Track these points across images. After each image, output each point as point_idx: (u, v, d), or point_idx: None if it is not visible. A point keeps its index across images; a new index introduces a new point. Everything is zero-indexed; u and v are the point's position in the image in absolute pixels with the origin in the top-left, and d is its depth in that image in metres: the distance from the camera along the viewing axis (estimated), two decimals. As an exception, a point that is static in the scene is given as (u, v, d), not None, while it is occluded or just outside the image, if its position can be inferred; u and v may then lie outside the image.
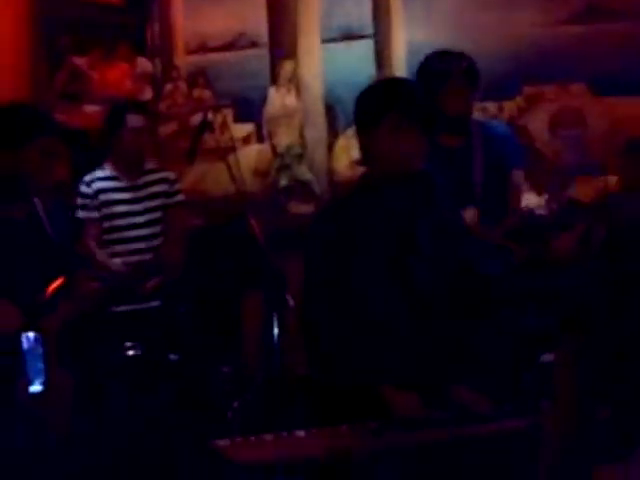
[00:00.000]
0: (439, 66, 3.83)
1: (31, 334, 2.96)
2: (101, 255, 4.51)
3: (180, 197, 4.70)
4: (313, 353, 3.02)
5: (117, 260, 4.51)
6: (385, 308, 2.94)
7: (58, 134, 3.31)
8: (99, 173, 4.63)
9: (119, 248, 4.54)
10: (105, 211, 4.56)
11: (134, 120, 4.54)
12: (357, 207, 2.99)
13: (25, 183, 3.27)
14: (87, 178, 4.60)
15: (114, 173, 4.61)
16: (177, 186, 4.72)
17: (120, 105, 4.76)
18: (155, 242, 4.57)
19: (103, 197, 4.56)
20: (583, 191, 3.65)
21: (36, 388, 2.96)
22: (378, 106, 2.94)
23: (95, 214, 4.55)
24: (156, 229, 4.60)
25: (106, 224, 4.56)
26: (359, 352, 2.89)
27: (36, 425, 3.06)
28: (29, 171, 3.23)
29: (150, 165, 4.71)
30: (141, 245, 4.54)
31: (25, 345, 2.95)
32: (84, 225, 4.52)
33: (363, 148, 3.01)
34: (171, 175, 4.73)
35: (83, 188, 4.58)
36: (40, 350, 2.94)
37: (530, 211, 3.76)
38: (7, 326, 3.05)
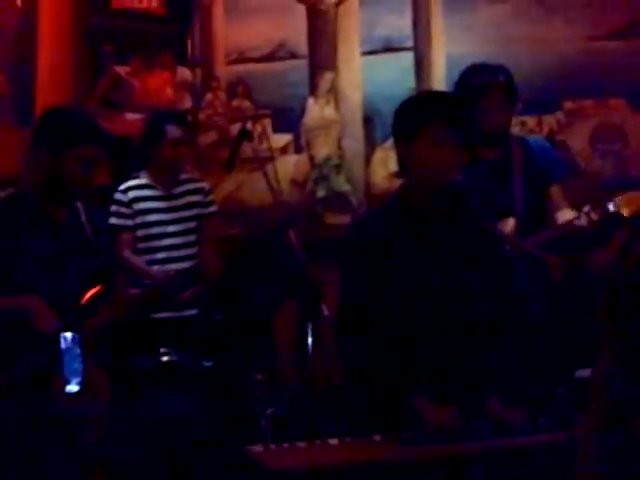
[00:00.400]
0: (476, 80, 3.82)
1: (69, 334, 2.99)
2: (137, 261, 4.54)
3: (214, 208, 4.72)
4: (349, 363, 3.03)
5: (154, 268, 4.53)
6: (418, 322, 2.94)
7: (103, 142, 3.34)
8: (134, 181, 4.65)
9: (153, 256, 4.57)
10: (139, 219, 4.58)
11: (173, 131, 4.55)
12: (393, 220, 3.00)
13: (66, 187, 3.30)
14: (122, 186, 4.63)
15: (150, 182, 4.64)
16: (211, 197, 4.74)
17: (159, 115, 4.78)
18: (188, 251, 4.58)
19: (137, 205, 4.58)
20: (623, 205, 3.62)
21: (73, 388, 2.98)
22: (417, 118, 2.95)
23: (129, 222, 4.57)
24: (189, 238, 4.62)
25: (140, 232, 4.58)
26: (394, 364, 2.89)
27: (72, 425, 3.09)
28: (69, 176, 3.26)
29: (185, 175, 4.73)
30: (174, 254, 4.55)
31: (63, 345, 2.98)
32: (116, 232, 4.54)
33: (401, 160, 3.02)
34: (206, 185, 4.75)
35: (118, 195, 4.60)
36: (78, 350, 2.97)
37: (569, 222, 3.74)
38: (44, 327, 3.09)
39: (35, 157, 3.32)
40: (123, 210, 4.57)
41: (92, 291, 3.16)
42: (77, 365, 2.96)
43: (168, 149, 4.56)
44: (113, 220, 4.56)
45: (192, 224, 4.64)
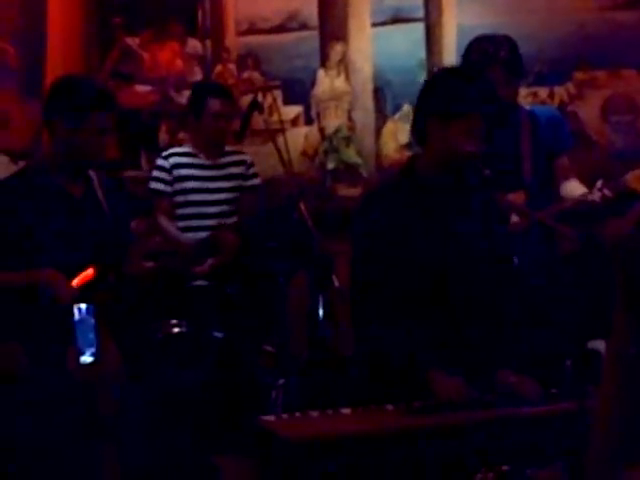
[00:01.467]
0: (478, 55, 3.77)
1: (83, 305, 3.00)
2: (172, 228, 4.58)
3: (255, 181, 4.77)
4: (362, 335, 3.04)
5: (188, 235, 4.57)
6: (429, 296, 2.95)
7: (114, 110, 3.34)
8: (178, 149, 4.76)
9: (188, 223, 4.61)
10: (177, 186, 4.63)
11: (214, 104, 4.59)
12: (402, 192, 2.99)
13: (82, 157, 3.30)
14: (165, 152, 4.72)
15: (193, 150, 4.69)
16: (253, 169, 4.78)
17: (202, 87, 4.85)
18: (223, 221, 4.61)
19: (178, 172, 4.64)
20: (637, 181, 3.60)
21: (87, 359, 3.00)
22: (462, 103, 2.91)
23: (168, 188, 4.63)
24: (226, 208, 4.65)
25: (179, 198, 4.63)
26: (407, 336, 2.89)
27: (86, 395, 3.11)
28: (84, 145, 3.26)
29: (229, 147, 4.78)
30: (209, 222, 4.58)
31: (77, 316, 3.00)
32: (155, 197, 4.59)
33: (423, 131, 3.00)
34: (249, 158, 4.80)
35: (160, 161, 4.68)
36: (92, 321, 2.98)
37: (582, 197, 3.72)
38: (63, 298, 3.10)
39: (51, 130, 3.31)
40: (163, 175, 4.64)
41: (82, 276, 3.16)
42: (91, 336, 2.97)
43: (209, 121, 4.60)
44: (153, 184, 4.66)
45: (232, 195, 4.67)
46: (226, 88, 4.91)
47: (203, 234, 4.50)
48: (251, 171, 4.77)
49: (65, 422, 3.11)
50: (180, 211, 4.65)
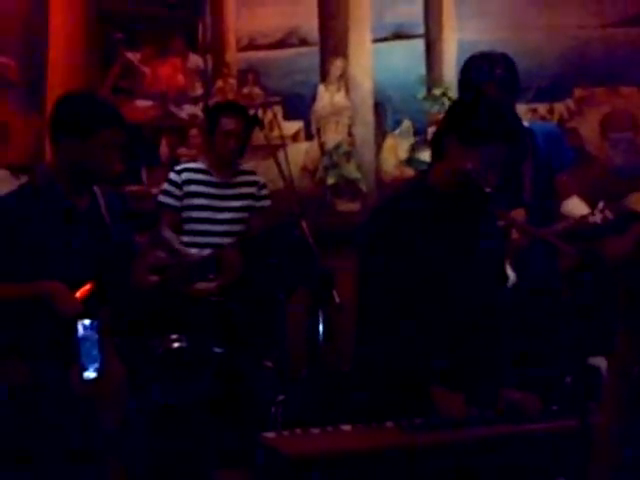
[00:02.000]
0: (473, 74, 3.77)
1: (87, 321, 3.00)
2: (173, 239, 4.58)
3: (265, 202, 4.78)
4: (367, 348, 3.04)
5: (193, 250, 4.58)
6: (434, 310, 2.95)
7: (123, 127, 3.34)
8: (192, 164, 4.79)
9: (193, 239, 4.63)
10: (187, 202, 4.65)
11: (227, 124, 4.61)
12: (416, 207, 3.00)
13: (89, 173, 3.30)
14: (178, 167, 4.76)
15: (206, 167, 4.71)
16: (264, 191, 4.80)
17: (217, 105, 4.92)
18: (227, 240, 4.61)
19: (188, 187, 4.67)
20: (638, 203, 3.61)
21: (90, 375, 2.99)
22: (481, 131, 2.90)
23: (176, 202, 4.65)
24: (234, 228, 4.66)
25: (185, 214, 4.65)
26: (412, 350, 2.89)
27: (89, 411, 3.10)
28: (95, 162, 3.26)
29: (245, 166, 4.81)
30: (215, 240, 4.60)
31: (81, 331, 2.99)
32: (161, 209, 4.63)
33: (440, 148, 3.00)
34: (261, 180, 4.82)
35: (172, 175, 4.71)
36: (96, 337, 2.97)
37: (583, 218, 3.72)
38: (68, 311, 3.09)
39: (56, 146, 3.31)
40: (172, 189, 4.67)
41: (82, 290, 3.16)
42: (95, 352, 2.97)
43: (220, 139, 4.62)
44: (161, 197, 4.71)
45: (241, 215, 4.69)
46: (241, 106, 4.92)
47: (208, 251, 4.51)
48: (263, 192, 4.79)
49: (68, 438, 3.10)
50: (187, 227, 4.67)
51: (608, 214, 3.62)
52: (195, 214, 4.66)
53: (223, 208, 4.68)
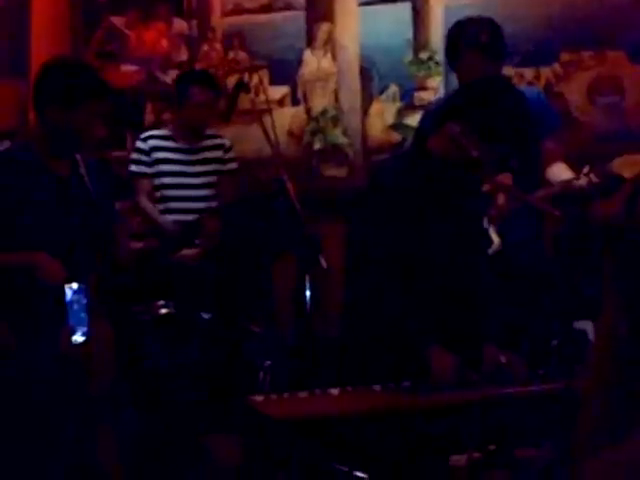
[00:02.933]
0: (457, 40, 3.77)
1: (75, 285, 3.00)
2: (152, 210, 4.60)
3: (232, 165, 4.79)
4: (359, 311, 3.05)
5: (168, 217, 4.59)
6: (423, 275, 2.97)
7: (108, 96, 3.32)
8: (157, 131, 4.77)
9: (167, 205, 4.63)
10: (156, 168, 4.63)
11: (197, 94, 4.58)
12: (412, 170, 3.01)
13: (72, 140, 3.28)
14: (144, 134, 4.71)
15: (172, 134, 4.69)
16: (231, 154, 4.80)
17: (187, 75, 4.83)
18: (201, 205, 4.64)
19: (156, 154, 4.65)
20: (624, 167, 3.60)
21: (78, 338, 3.00)
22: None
23: (147, 169, 4.64)
24: (204, 192, 4.70)
25: (157, 181, 4.64)
26: (412, 312, 2.91)
27: (79, 374, 3.11)
28: (79, 130, 3.24)
29: (209, 131, 4.78)
30: (189, 205, 4.61)
31: (69, 296, 3.00)
32: (135, 179, 4.59)
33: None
34: (227, 142, 4.81)
35: (139, 143, 4.69)
36: (84, 301, 2.98)
37: (568, 182, 3.73)
38: (52, 279, 3.09)
39: (41, 112, 3.28)
40: (142, 157, 4.66)
41: None
42: (83, 315, 2.98)
43: (191, 111, 4.61)
44: (132, 167, 4.70)
45: (209, 179, 4.71)
46: (211, 76, 4.90)
47: (182, 217, 4.52)
48: (229, 155, 4.78)
49: (58, 401, 3.11)
50: (159, 193, 4.67)
51: (593, 178, 3.62)
52: (165, 180, 4.66)
53: (192, 173, 4.68)
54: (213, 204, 4.66)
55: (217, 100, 4.74)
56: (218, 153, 4.74)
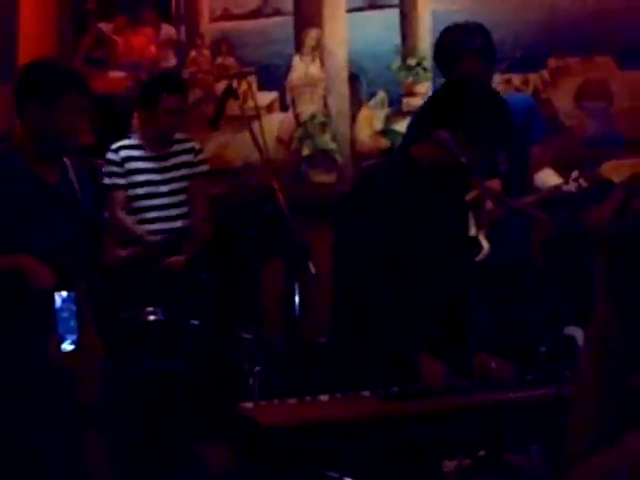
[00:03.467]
0: (451, 45, 3.78)
1: (64, 292, 2.98)
2: (129, 222, 4.56)
3: (203, 167, 4.72)
4: (348, 317, 3.04)
5: (143, 228, 4.55)
6: (411, 281, 2.97)
7: (85, 91, 3.30)
8: (126, 141, 4.66)
9: (143, 216, 4.58)
10: (130, 179, 4.59)
11: (169, 101, 4.51)
12: (400, 176, 3.00)
13: (54, 140, 3.26)
14: (114, 146, 4.63)
15: (140, 142, 4.63)
16: (201, 156, 4.74)
17: (156, 81, 4.72)
18: (178, 211, 4.60)
19: (129, 165, 4.60)
20: (612, 172, 3.61)
21: (67, 347, 2.98)
22: (450, 113, 2.94)
23: (121, 181, 4.59)
24: (179, 198, 4.64)
25: (131, 192, 4.60)
26: (401, 319, 2.91)
27: (67, 383, 3.09)
28: (59, 127, 3.23)
29: (177, 135, 4.72)
30: (164, 213, 4.57)
31: (58, 303, 2.98)
32: (109, 192, 4.56)
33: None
34: (196, 145, 4.75)
35: (110, 155, 4.61)
36: (73, 308, 2.96)
37: (557, 187, 3.74)
38: (41, 284, 3.07)
39: (23, 112, 3.28)
40: (115, 169, 4.59)
41: None
42: (72, 323, 2.95)
43: (162, 118, 4.54)
44: (106, 180, 4.60)
45: (182, 184, 4.65)
46: (181, 81, 4.85)
47: (157, 226, 4.49)
48: (199, 157, 4.72)
49: (46, 409, 3.09)
50: (134, 204, 4.60)
51: (583, 183, 3.64)
52: (139, 190, 4.59)
53: (165, 180, 4.62)
54: (179, 211, 4.61)
55: (186, 107, 4.68)
56: (189, 157, 4.69)
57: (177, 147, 4.68)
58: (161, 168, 4.63)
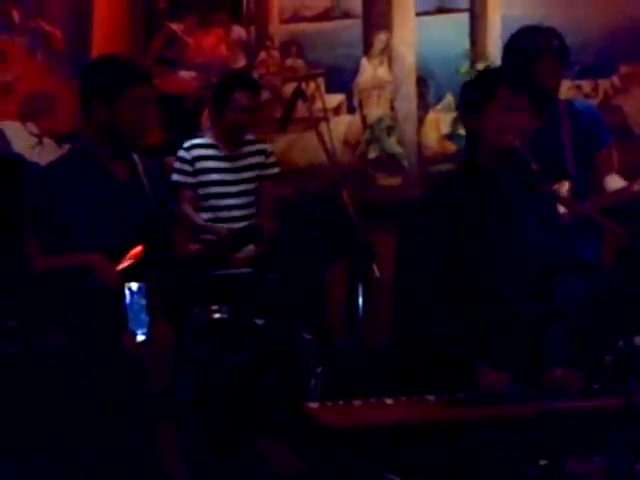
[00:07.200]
0: (530, 44, 3.77)
1: (134, 285, 3.01)
2: (199, 219, 4.61)
3: (275, 170, 4.77)
4: (409, 322, 3.05)
5: (217, 225, 4.59)
6: (480, 290, 2.96)
7: (149, 82, 3.34)
8: (198, 140, 4.71)
9: (213, 215, 4.63)
10: (201, 178, 4.64)
11: (241, 98, 4.57)
12: (463, 186, 3.01)
13: (123, 135, 3.30)
14: (187, 144, 4.68)
15: (213, 141, 4.69)
16: (273, 158, 4.79)
17: (230, 78, 4.78)
18: (248, 212, 4.65)
19: (199, 164, 4.64)
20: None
21: (139, 338, 3.01)
22: (483, 92, 2.99)
23: (191, 179, 4.63)
24: (250, 199, 4.67)
25: (201, 191, 4.64)
26: (464, 326, 2.91)
27: (139, 374, 3.13)
28: (125, 121, 3.27)
29: (249, 136, 4.76)
30: (234, 214, 4.61)
31: (128, 297, 3.01)
32: (178, 189, 4.61)
33: (469, 133, 3.08)
34: (268, 147, 4.80)
35: (182, 153, 4.66)
36: (143, 302, 2.99)
37: (626, 189, 3.70)
38: (110, 280, 3.12)
39: (89, 109, 3.33)
40: (185, 167, 4.64)
41: (133, 253, 3.17)
42: (143, 316, 2.99)
43: (233, 115, 4.59)
44: (175, 177, 4.65)
45: (252, 185, 4.69)
46: (254, 81, 4.89)
47: (229, 225, 4.52)
48: (270, 160, 4.76)
49: (118, 401, 3.13)
50: (205, 203, 4.64)
51: None
52: (210, 190, 4.63)
53: (236, 181, 4.66)
54: (249, 212, 4.64)
55: (258, 106, 4.72)
56: (260, 158, 4.73)
57: (250, 148, 4.73)
58: (233, 168, 4.68)
